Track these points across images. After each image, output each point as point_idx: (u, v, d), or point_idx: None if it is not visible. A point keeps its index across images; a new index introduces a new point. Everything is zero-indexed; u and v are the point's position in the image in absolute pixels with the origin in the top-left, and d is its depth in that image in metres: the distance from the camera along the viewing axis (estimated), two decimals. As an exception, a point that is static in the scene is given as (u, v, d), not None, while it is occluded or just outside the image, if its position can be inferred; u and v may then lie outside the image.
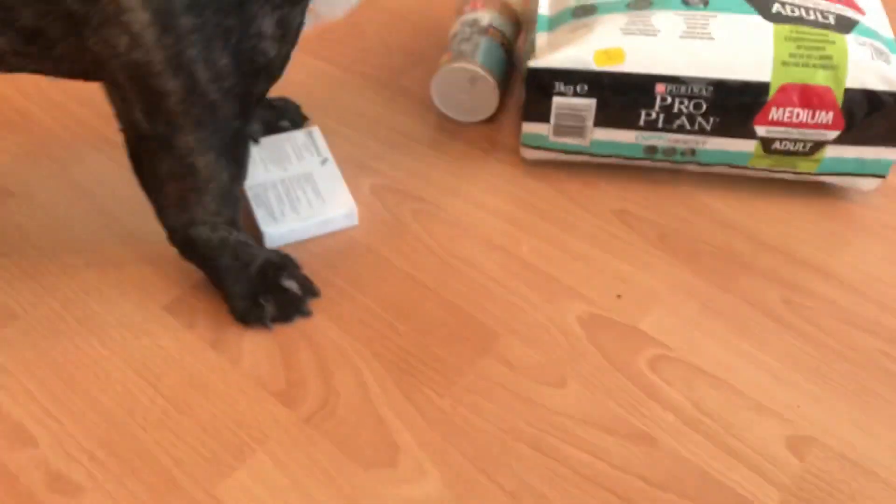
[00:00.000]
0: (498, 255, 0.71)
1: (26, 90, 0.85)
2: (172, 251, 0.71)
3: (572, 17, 0.75)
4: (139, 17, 0.52)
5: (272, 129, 0.79)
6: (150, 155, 0.59)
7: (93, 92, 0.85)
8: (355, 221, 0.73)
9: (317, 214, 0.71)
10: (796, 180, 0.77)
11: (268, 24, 0.56)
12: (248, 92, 0.58)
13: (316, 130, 0.78)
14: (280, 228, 0.70)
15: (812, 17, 0.71)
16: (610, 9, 0.73)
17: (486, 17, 0.82)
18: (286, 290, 0.66)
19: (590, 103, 0.72)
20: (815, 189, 0.77)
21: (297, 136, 0.77)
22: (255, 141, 0.76)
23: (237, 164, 0.61)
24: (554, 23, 0.76)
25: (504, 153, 0.80)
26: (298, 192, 0.72)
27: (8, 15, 0.53)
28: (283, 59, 0.59)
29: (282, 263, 0.67)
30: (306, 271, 0.70)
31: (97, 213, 0.74)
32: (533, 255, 0.71)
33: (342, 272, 0.70)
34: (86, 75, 0.58)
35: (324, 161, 0.73)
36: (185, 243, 0.64)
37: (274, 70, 0.59)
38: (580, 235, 0.73)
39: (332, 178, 0.74)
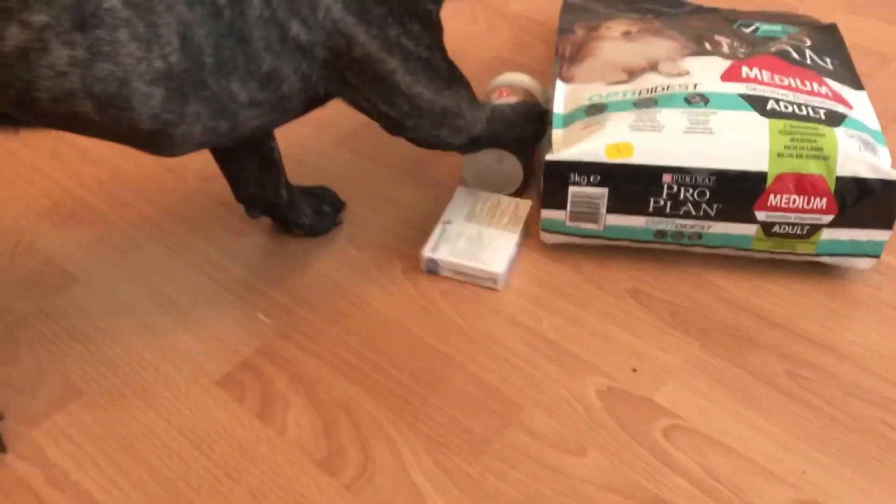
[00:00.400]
0: (521, 332, 0.77)
1: (88, 184, 0.93)
2: (227, 331, 0.77)
3: (585, 115, 0.82)
4: (347, 19, 0.64)
5: (317, 212, 0.87)
6: (419, 131, 0.73)
7: (148, 184, 0.93)
8: (500, 286, 0.81)
9: (475, 263, 0.80)
10: (797, 260, 0.82)
11: None
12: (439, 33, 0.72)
13: (525, 203, 0.87)
14: (439, 256, 0.80)
15: (804, 112, 0.78)
16: (619, 107, 0.81)
17: (511, 102, 0.90)
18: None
19: (602, 192, 0.79)
20: (815, 268, 0.83)
21: (508, 200, 0.87)
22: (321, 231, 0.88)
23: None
24: (568, 120, 0.83)
25: (525, 237, 0.86)
26: (477, 240, 0.82)
27: (252, 63, 0.62)
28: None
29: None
30: (344, 348, 0.76)
31: (154, 296, 0.81)
32: (553, 332, 0.77)
33: (377, 348, 0.76)
34: (313, 104, 0.69)
35: (514, 231, 0.83)
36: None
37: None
38: (597, 313, 0.79)
39: (506, 244, 0.82)
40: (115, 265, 0.84)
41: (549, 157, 0.79)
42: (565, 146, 0.80)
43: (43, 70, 0.56)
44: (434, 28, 0.72)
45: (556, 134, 0.82)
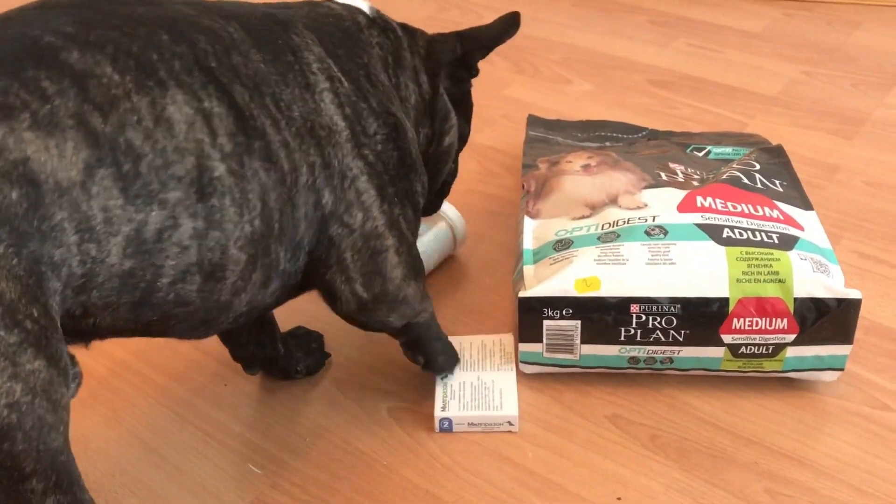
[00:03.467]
0: (506, 466, 0.79)
1: (77, 341, 0.96)
2: (219, 484, 0.79)
3: (553, 250, 0.87)
4: (370, 192, 0.69)
5: (308, 352, 0.90)
6: (375, 313, 0.74)
7: (139, 342, 0.96)
8: (515, 429, 0.82)
9: (488, 411, 0.82)
10: (766, 377, 0.86)
11: (418, 185, 0.76)
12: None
13: (507, 338, 0.90)
14: (452, 414, 0.82)
15: (758, 237, 0.83)
16: (584, 242, 0.85)
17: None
18: None
19: (575, 324, 0.82)
20: (785, 383, 0.86)
21: (491, 339, 0.90)
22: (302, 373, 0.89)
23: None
24: (538, 255, 0.87)
25: (504, 368, 0.89)
26: (480, 387, 0.85)
27: (293, 230, 0.65)
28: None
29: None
30: (334, 495, 0.77)
31: (147, 452, 0.82)
32: (538, 464, 0.79)
33: (367, 492, 0.77)
34: (301, 290, 0.72)
35: (510, 369, 0.86)
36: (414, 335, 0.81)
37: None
38: (579, 441, 0.81)
39: (508, 384, 0.85)
40: (108, 424, 0.86)
41: (522, 294, 0.82)
42: (537, 282, 0.84)
43: (172, 249, 0.57)
44: (418, 217, 0.76)
45: (528, 270, 0.86)
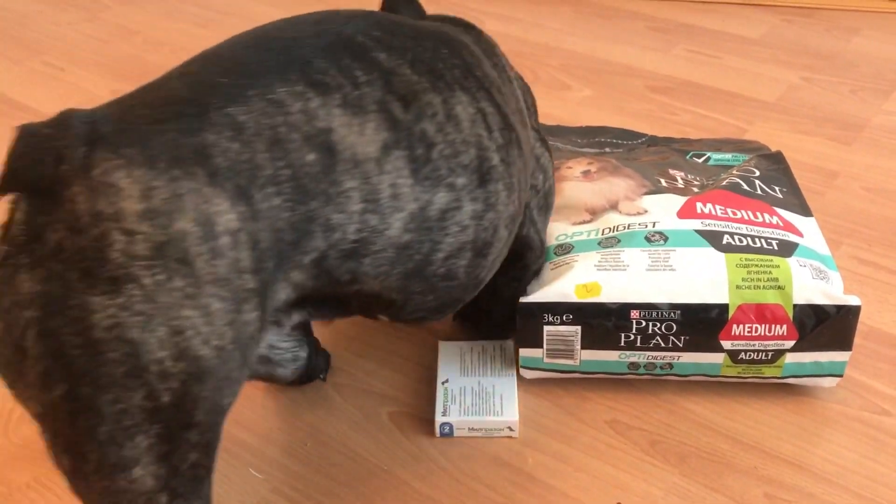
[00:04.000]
0: (506, 472, 0.80)
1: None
2: (220, 489, 0.79)
3: (554, 254, 0.87)
4: (546, 156, 0.84)
5: (318, 353, 0.89)
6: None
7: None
8: (515, 434, 0.83)
9: (489, 416, 0.83)
10: (766, 383, 0.86)
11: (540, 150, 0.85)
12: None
13: (508, 344, 0.90)
14: (452, 419, 0.82)
15: (758, 244, 0.83)
16: (585, 247, 0.86)
17: None
18: None
19: (576, 330, 0.82)
20: (784, 388, 0.87)
21: (492, 345, 0.90)
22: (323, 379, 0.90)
23: None
24: (538, 261, 0.88)
25: (505, 374, 0.90)
26: (481, 392, 0.85)
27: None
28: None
29: None
30: (336, 500, 0.77)
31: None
32: (538, 469, 0.80)
33: (368, 498, 0.78)
34: None
35: (511, 374, 0.87)
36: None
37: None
38: (578, 446, 0.82)
39: (509, 389, 0.85)
40: (108, 427, 0.86)
41: (523, 299, 0.83)
42: (538, 287, 0.84)
43: (453, 227, 0.65)
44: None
45: (528, 276, 0.86)
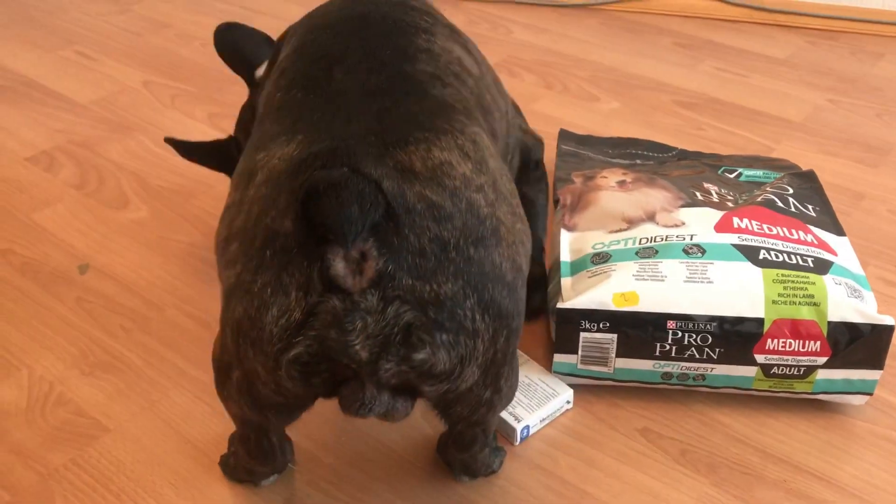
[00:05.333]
0: (539, 475, 0.81)
1: (115, 333, 0.97)
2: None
3: (591, 263, 0.88)
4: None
5: None
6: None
7: (172, 332, 0.97)
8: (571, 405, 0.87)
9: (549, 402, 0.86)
10: (796, 398, 0.87)
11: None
12: None
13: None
14: (527, 420, 0.84)
15: (794, 260, 0.85)
16: (622, 257, 0.87)
17: None
18: None
19: (612, 338, 0.84)
20: (814, 404, 0.88)
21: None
22: None
23: None
24: (575, 268, 0.89)
25: (536, 378, 0.91)
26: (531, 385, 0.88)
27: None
28: None
29: None
30: (370, 494, 0.78)
31: (183, 444, 0.83)
32: (570, 474, 0.81)
33: (403, 494, 0.78)
34: None
35: (525, 362, 0.90)
36: None
37: None
38: (610, 452, 0.83)
39: (541, 373, 0.89)
40: (145, 414, 0.87)
41: (560, 305, 0.84)
42: (575, 294, 0.85)
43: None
44: None
45: (566, 282, 0.88)
